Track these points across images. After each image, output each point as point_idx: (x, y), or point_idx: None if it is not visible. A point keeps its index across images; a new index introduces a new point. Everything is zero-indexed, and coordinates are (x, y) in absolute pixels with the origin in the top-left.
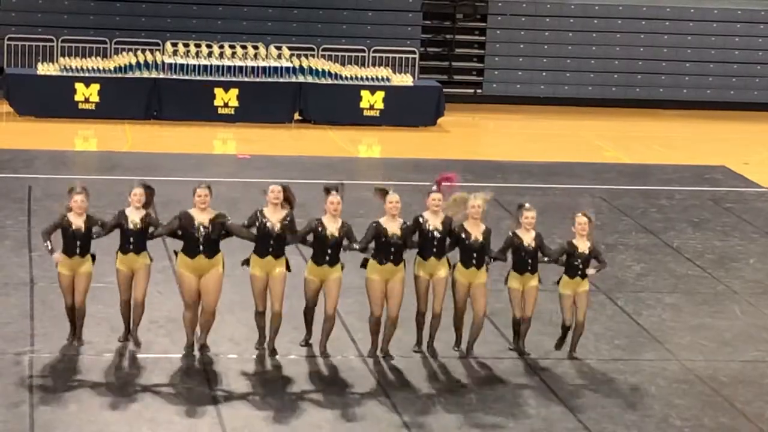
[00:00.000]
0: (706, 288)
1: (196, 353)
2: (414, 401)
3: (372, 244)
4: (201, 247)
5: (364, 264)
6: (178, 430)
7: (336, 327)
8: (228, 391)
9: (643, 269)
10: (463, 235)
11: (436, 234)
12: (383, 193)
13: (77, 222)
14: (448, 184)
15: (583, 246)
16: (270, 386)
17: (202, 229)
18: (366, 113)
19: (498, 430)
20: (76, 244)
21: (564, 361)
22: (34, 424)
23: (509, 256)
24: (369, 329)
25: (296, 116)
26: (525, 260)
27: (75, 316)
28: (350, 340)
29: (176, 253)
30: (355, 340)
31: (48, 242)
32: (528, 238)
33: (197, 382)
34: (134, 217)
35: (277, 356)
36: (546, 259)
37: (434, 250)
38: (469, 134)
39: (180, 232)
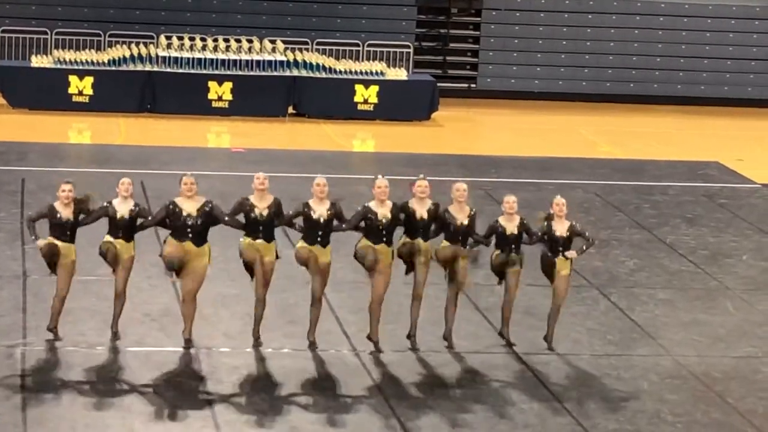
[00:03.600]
0: (700, 284)
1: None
2: (407, 396)
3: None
4: (189, 235)
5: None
6: (171, 425)
7: (329, 321)
8: (221, 386)
9: (637, 265)
10: (449, 219)
11: (421, 222)
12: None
13: (65, 212)
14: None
15: (561, 228)
16: (263, 380)
17: (189, 219)
18: (360, 107)
19: (490, 424)
20: (66, 233)
21: (556, 357)
22: (26, 418)
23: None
24: (370, 316)
25: (290, 110)
26: (507, 247)
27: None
28: (343, 335)
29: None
30: (348, 334)
31: (33, 229)
32: (510, 226)
33: (190, 376)
34: (122, 208)
35: (261, 347)
36: (528, 240)
37: (420, 235)
38: (463, 129)
39: (168, 221)
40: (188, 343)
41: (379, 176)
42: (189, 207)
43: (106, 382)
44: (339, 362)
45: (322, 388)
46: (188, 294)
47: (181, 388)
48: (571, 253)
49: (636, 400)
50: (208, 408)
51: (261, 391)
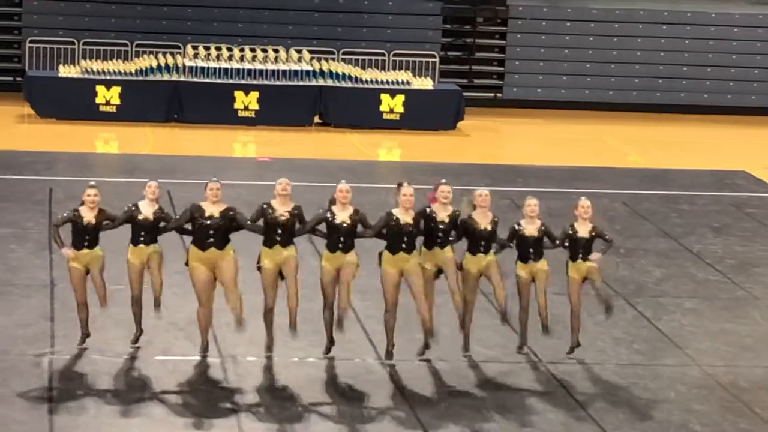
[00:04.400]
0: (727, 293)
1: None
2: (433, 405)
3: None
4: (212, 239)
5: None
6: None
7: (354, 329)
8: (247, 395)
9: (664, 274)
10: (471, 225)
11: (442, 226)
12: (400, 185)
13: (88, 216)
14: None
15: (583, 230)
16: (289, 389)
17: (212, 220)
18: (386, 117)
19: None
20: (85, 237)
21: (583, 366)
22: (53, 426)
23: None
24: (384, 327)
25: (316, 119)
26: (527, 250)
27: (87, 314)
28: (369, 343)
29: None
30: (374, 342)
31: (57, 236)
32: (531, 228)
33: (216, 385)
34: (147, 210)
35: (295, 334)
36: (550, 244)
37: (439, 241)
38: (489, 138)
39: (191, 225)
40: (241, 322)
41: (405, 183)
42: (212, 210)
43: (132, 391)
44: (364, 371)
45: (348, 397)
46: (228, 286)
47: (207, 398)
48: (596, 256)
49: (663, 410)
50: (234, 417)
51: (286, 399)
